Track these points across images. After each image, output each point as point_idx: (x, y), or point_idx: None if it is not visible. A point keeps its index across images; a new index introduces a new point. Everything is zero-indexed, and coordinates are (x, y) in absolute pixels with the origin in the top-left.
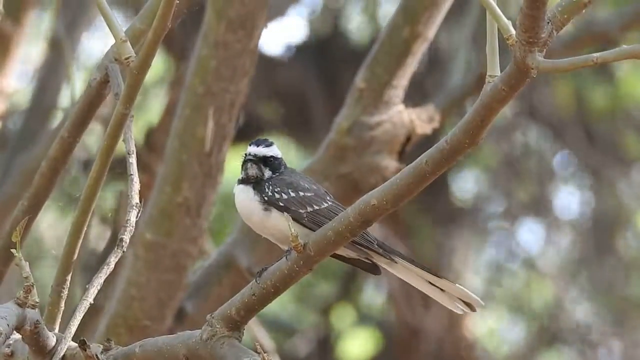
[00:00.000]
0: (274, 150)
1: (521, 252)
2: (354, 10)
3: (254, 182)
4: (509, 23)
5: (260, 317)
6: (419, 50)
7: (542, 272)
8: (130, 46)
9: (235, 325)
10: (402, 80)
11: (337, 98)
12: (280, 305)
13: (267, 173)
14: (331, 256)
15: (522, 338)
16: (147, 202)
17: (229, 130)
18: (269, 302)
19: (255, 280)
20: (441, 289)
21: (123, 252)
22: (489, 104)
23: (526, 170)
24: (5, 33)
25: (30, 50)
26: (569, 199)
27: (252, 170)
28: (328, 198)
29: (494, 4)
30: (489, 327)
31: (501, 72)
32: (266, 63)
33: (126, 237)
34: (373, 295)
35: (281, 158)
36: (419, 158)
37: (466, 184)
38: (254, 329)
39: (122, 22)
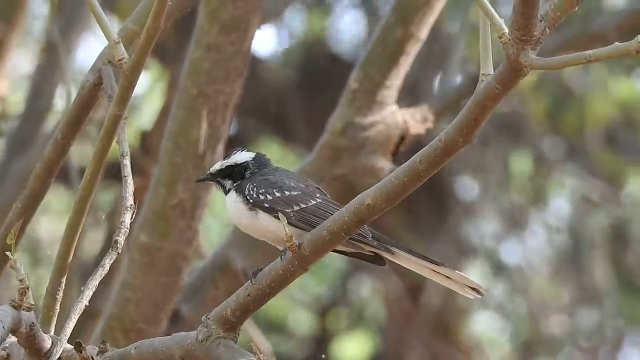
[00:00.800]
0: (229, 161)
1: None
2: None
3: (237, 186)
4: (502, 21)
5: (257, 319)
6: (413, 51)
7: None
8: (124, 48)
9: (231, 326)
10: (396, 81)
11: (324, 100)
12: (277, 308)
13: (228, 183)
14: (333, 251)
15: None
16: (142, 205)
17: (223, 132)
18: (264, 303)
19: (251, 281)
20: (447, 276)
21: (118, 254)
22: (483, 102)
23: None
24: None
25: (25, 53)
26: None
27: (220, 186)
28: (318, 195)
29: (487, 2)
30: (483, 331)
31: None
32: (255, 65)
33: (121, 239)
34: (370, 297)
35: (244, 163)
36: (414, 157)
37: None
38: (251, 331)
39: (115, 24)
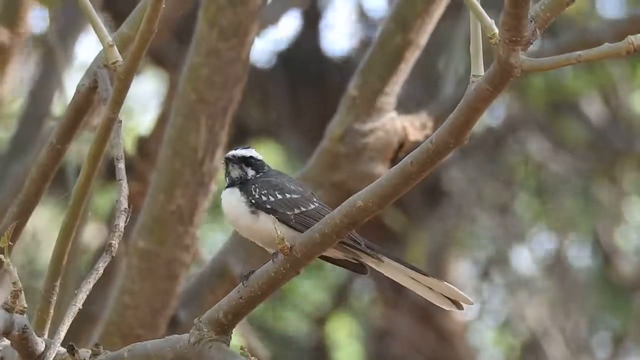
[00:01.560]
0: (252, 152)
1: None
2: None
3: (240, 184)
4: (492, 22)
5: (254, 325)
6: (411, 58)
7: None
8: (117, 51)
9: (223, 328)
10: (395, 88)
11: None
12: (275, 315)
13: (251, 172)
14: (319, 257)
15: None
16: (141, 210)
17: (222, 138)
18: (256, 305)
19: (243, 283)
20: (429, 287)
21: (112, 257)
22: (473, 103)
23: None
24: (2, 43)
25: (23, 57)
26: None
27: (235, 172)
28: (314, 199)
29: (477, 3)
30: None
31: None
32: (253, 71)
33: (115, 242)
34: (368, 304)
35: (262, 160)
36: (404, 159)
37: None
38: (248, 337)
39: (110, 28)
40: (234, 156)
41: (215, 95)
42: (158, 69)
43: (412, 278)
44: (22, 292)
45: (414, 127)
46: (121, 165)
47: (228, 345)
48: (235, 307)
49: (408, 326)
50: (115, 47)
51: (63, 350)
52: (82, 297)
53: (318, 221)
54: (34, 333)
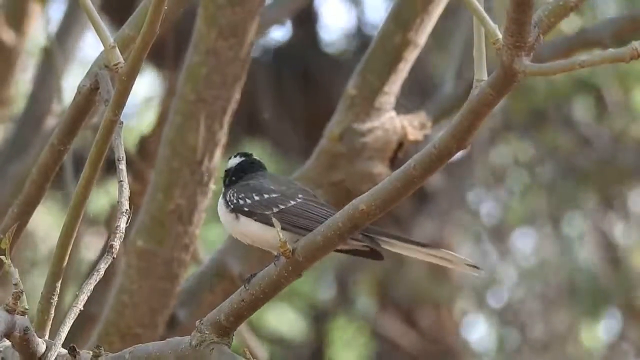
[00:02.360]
0: (226, 166)
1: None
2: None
3: (223, 192)
4: (495, 27)
5: (253, 326)
6: (411, 57)
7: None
8: (119, 52)
9: (225, 331)
10: (394, 87)
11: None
12: (274, 315)
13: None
14: None
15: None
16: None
17: (220, 137)
18: (258, 308)
19: (244, 287)
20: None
21: (113, 258)
22: (477, 108)
23: None
24: (7, 44)
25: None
26: None
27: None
28: (299, 196)
29: (481, 8)
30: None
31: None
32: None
33: (116, 244)
34: (368, 303)
35: (230, 168)
36: (407, 162)
37: None
38: (247, 338)
39: (112, 29)
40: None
41: (214, 95)
42: (158, 68)
43: (419, 251)
44: (24, 293)
45: (413, 126)
46: (122, 167)
47: (229, 347)
48: (237, 309)
49: (398, 324)
50: (116, 48)
51: (64, 351)
52: (83, 298)
53: (299, 217)
54: (35, 334)
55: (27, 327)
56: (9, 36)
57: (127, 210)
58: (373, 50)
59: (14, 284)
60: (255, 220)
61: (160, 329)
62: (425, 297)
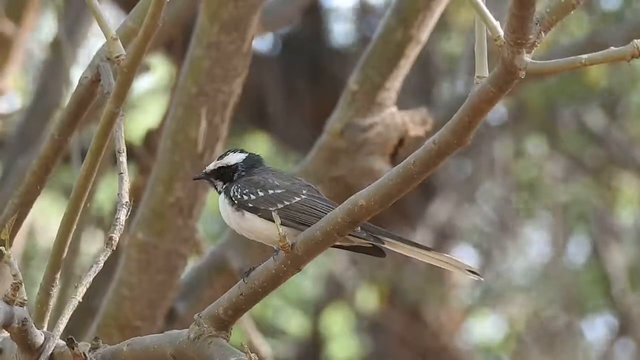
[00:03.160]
0: (221, 162)
1: None
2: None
3: (226, 188)
4: (497, 24)
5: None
6: (412, 53)
7: None
8: (121, 44)
9: (223, 324)
10: (395, 83)
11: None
12: (271, 308)
13: (219, 184)
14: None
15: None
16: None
17: (222, 131)
18: (256, 302)
19: (243, 280)
20: (437, 259)
21: (113, 250)
22: (477, 104)
23: None
24: (6, 35)
25: (32, 51)
26: None
27: (214, 186)
28: (304, 192)
29: (482, 4)
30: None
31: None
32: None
33: (115, 236)
34: (366, 297)
35: (234, 165)
36: (407, 159)
37: None
38: (251, 334)
39: (117, 20)
40: (199, 179)
41: (216, 88)
42: (164, 60)
43: (421, 253)
44: (22, 284)
45: (414, 122)
46: (123, 159)
47: (227, 341)
48: (236, 303)
49: (400, 320)
50: (118, 40)
51: (62, 343)
52: (82, 290)
53: (304, 214)
54: (33, 326)
55: (25, 318)
56: (7, 27)
57: (127, 202)
58: (374, 46)
59: (12, 275)
60: (259, 216)
61: (159, 322)
62: (427, 294)
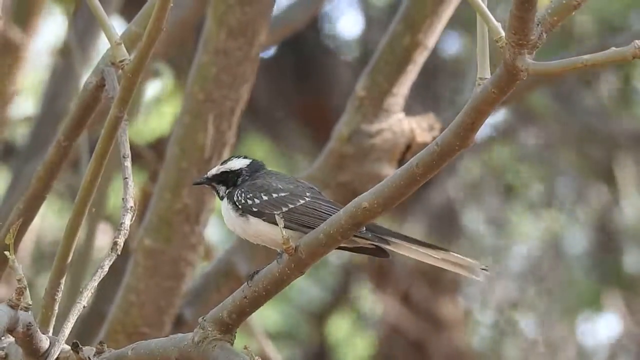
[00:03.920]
0: (225, 167)
1: None
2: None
3: (229, 193)
4: (498, 25)
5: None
6: (420, 59)
7: None
8: (125, 49)
9: (227, 328)
10: (403, 89)
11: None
12: (276, 313)
13: (222, 189)
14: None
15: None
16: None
17: (229, 137)
18: (260, 305)
19: (247, 283)
20: (443, 259)
21: (117, 255)
22: (479, 106)
23: None
24: (13, 41)
25: (42, 57)
26: None
27: (214, 193)
28: (307, 194)
29: (484, 6)
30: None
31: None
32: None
33: (120, 241)
34: (370, 301)
35: (238, 170)
36: (410, 161)
37: None
38: (262, 341)
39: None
40: (200, 183)
41: (223, 95)
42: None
43: (428, 254)
44: (27, 289)
45: (421, 128)
46: (127, 164)
47: (232, 344)
48: (240, 306)
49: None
50: (122, 45)
51: (67, 347)
52: (87, 295)
53: (308, 216)
54: (38, 330)
55: (30, 322)
56: (15, 33)
57: (132, 207)
58: (382, 52)
59: (17, 280)
60: (264, 220)
61: (166, 328)
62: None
